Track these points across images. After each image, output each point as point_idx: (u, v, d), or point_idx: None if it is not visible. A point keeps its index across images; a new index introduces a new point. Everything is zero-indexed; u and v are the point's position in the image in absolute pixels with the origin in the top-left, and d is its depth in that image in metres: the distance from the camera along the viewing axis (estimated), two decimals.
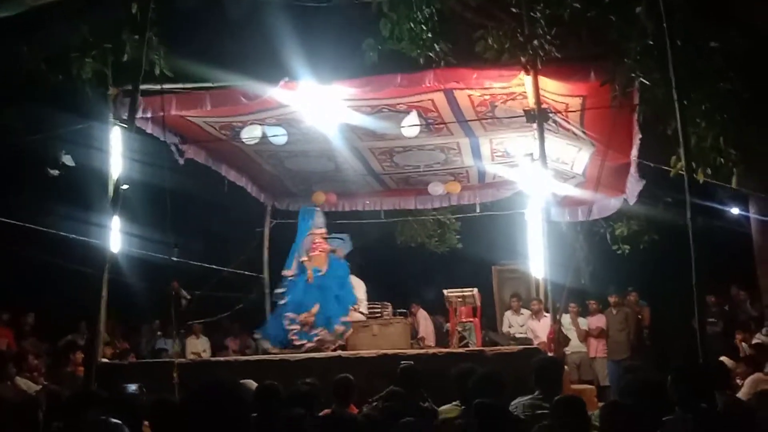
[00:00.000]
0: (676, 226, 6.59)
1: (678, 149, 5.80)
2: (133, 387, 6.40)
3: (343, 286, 10.09)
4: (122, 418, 4.59)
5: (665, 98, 6.05)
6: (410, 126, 8.69)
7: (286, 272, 10.20)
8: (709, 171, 7.03)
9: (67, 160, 8.50)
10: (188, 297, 8.19)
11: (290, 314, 9.63)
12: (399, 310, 10.78)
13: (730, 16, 6.77)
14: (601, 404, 5.21)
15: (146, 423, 4.65)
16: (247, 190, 11.62)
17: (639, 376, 5.05)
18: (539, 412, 4.72)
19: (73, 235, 8.46)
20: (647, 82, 6.56)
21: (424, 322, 12.46)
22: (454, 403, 5.16)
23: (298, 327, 9.53)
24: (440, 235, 14.86)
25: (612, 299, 11.49)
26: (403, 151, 10.40)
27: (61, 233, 8.60)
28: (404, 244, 14.91)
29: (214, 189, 11.18)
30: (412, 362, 5.95)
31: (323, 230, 10.39)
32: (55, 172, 8.55)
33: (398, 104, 8.57)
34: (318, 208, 10.64)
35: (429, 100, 8.43)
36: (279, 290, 10.28)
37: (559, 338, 7.12)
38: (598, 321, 11.50)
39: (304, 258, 10.06)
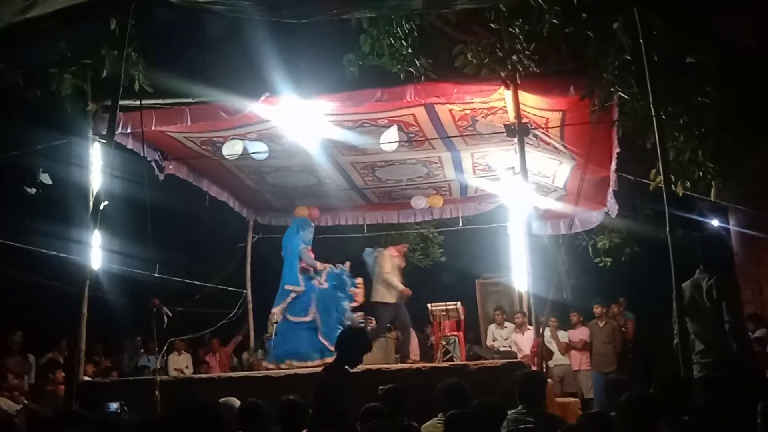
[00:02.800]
0: (656, 239, 6.63)
1: (657, 162, 5.85)
2: (114, 405, 6.33)
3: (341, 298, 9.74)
4: None
5: (644, 112, 6.10)
6: (391, 141, 8.70)
7: (294, 287, 9.58)
8: (688, 184, 7.09)
9: (45, 178, 8.43)
10: (169, 314, 8.11)
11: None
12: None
13: (707, 31, 6.84)
14: None
15: None
16: (229, 205, 11.57)
17: (623, 388, 5.05)
18: (523, 426, 4.73)
19: (54, 252, 8.38)
20: (626, 97, 6.62)
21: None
22: (436, 418, 5.14)
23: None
24: (423, 249, 14.90)
25: (597, 310, 11.48)
26: (385, 165, 10.41)
27: (42, 250, 8.52)
28: None
29: (196, 204, 11.12)
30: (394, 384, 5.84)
31: (310, 247, 10.25)
32: (32, 191, 8.48)
33: (379, 119, 8.59)
34: (313, 224, 10.39)
35: (410, 114, 8.45)
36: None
37: (542, 352, 7.12)
38: (581, 334, 11.50)
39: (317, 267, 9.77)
